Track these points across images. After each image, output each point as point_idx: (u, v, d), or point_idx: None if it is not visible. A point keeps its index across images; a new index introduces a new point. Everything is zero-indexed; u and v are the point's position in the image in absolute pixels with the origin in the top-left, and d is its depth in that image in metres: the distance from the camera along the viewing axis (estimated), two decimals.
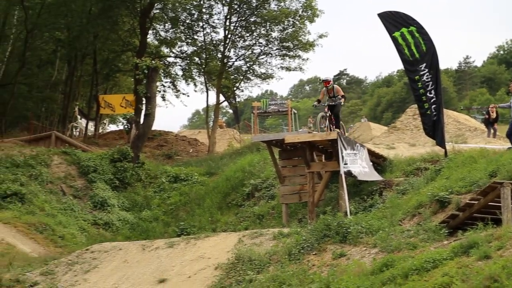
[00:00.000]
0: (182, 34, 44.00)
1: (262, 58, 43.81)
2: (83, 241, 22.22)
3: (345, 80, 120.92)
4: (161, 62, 37.25)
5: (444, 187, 14.44)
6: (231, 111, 79.08)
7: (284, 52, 43.11)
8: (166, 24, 44.08)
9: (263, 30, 42.51)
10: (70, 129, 42.21)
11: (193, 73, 46.09)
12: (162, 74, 44.66)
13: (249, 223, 21.56)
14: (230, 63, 43.96)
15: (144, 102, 33.02)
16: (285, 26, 41.74)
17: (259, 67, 44.40)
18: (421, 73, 18.91)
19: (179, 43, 44.82)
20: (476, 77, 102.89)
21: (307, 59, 46.03)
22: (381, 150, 23.09)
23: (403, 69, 21.29)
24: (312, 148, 18.63)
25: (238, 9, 42.16)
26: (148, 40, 42.99)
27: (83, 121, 44.11)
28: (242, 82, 45.68)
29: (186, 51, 44.95)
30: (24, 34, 40.91)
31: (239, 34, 43.00)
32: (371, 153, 19.96)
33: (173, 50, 45.98)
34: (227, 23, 42.27)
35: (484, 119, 32.70)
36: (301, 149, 18.90)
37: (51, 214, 23.98)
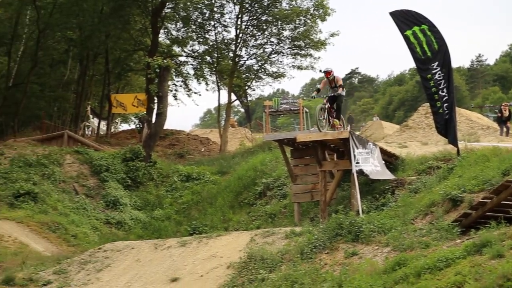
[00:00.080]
0: (194, 33, 44.00)
1: (274, 57, 43.91)
2: (96, 240, 22.34)
3: (357, 79, 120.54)
4: (172, 61, 37.32)
5: (456, 185, 14.39)
6: (242, 110, 79.15)
7: (295, 51, 43.07)
8: (178, 23, 44.14)
9: (275, 29, 42.51)
10: (82, 129, 42.32)
11: (204, 72, 46.17)
12: (174, 73, 44.77)
13: (261, 222, 21.58)
14: (241, 62, 44.02)
15: (156, 101, 33.11)
16: (296, 25, 41.72)
17: (271, 66, 44.54)
18: (433, 71, 18.86)
19: (190, 42, 44.85)
20: (488, 75, 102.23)
21: (319, 57, 46.08)
22: (393, 148, 23.01)
23: (415, 67, 21.23)
24: (324, 147, 18.60)
25: (249, 8, 42.15)
26: (159, 39, 43.03)
27: (95, 120, 44.27)
28: (254, 81, 45.92)
29: (197, 50, 45.05)
30: (36, 34, 41.10)
31: (251, 33, 43.00)
32: (383, 152, 19.91)
33: (185, 49, 46.11)
34: (239, 22, 42.32)
35: (496, 118, 32.52)
36: (313, 148, 18.87)
37: (63, 213, 24.14)
